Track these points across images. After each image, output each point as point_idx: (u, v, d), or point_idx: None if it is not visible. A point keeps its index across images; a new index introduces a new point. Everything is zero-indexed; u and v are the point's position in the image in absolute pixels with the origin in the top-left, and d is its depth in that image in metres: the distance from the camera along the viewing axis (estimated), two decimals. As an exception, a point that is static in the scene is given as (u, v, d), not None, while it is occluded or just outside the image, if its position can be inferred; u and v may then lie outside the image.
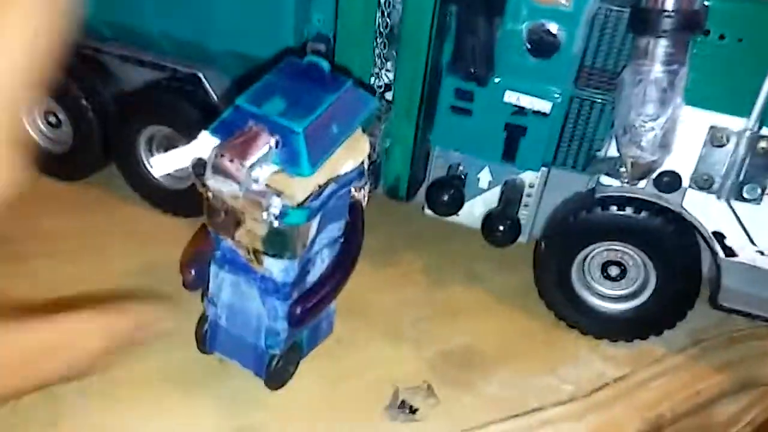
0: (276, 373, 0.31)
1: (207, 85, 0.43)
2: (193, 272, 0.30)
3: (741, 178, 0.35)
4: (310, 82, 0.27)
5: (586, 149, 0.39)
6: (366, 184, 0.32)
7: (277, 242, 0.27)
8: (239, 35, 0.41)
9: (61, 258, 0.44)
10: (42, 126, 0.47)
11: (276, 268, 0.28)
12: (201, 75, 0.42)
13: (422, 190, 0.46)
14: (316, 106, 0.27)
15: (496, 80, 0.37)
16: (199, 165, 0.26)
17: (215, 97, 0.43)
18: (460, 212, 0.43)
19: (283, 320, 0.29)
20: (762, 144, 0.34)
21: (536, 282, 0.42)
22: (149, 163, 0.45)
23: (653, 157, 0.34)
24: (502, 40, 0.36)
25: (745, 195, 0.36)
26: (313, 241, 0.29)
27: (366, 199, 0.33)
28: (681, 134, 0.35)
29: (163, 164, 0.26)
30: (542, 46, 0.36)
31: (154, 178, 0.45)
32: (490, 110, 0.38)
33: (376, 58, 0.39)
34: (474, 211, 0.44)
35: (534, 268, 0.41)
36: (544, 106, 0.38)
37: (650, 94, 0.33)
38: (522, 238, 0.43)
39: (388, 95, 0.40)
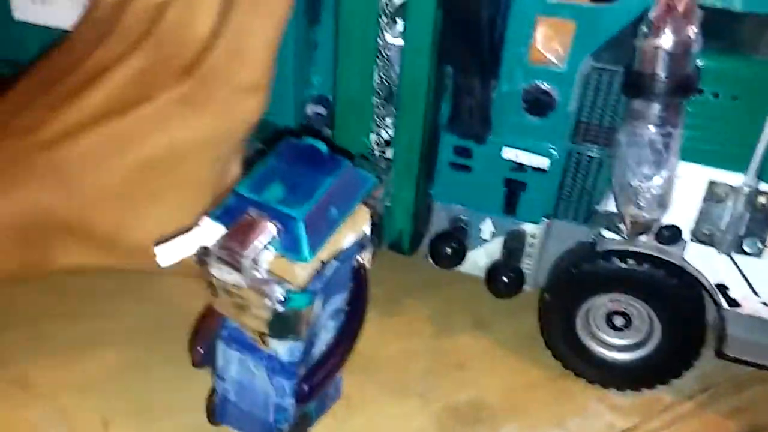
0: None
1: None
2: (201, 351, 0.30)
3: (741, 232, 0.35)
4: (309, 165, 0.28)
5: (586, 202, 0.39)
6: (369, 246, 0.33)
7: (282, 326, 0.27)
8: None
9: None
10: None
11: (281, 348, 0.28)
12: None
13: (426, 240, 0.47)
14: (315, 190, 0.27)
15: (494, 138, 0.38)
16: (203, 253, 0.26)
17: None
18: (463, 263, 0.43)
19: (290, 397, 0.29)
20: (760, 199, 0.34)
21: (542, 332, 0.42)
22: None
23: (651, 215, 0.34)
24: (498, 100, 0.36)
25: (745, 249, 0.36)
26: (317, 318, 0.30)
27: (370, 262, 0.33)
28: (680, 189, 0.35)
29: (167, 254, 0.27)
30: (538, 105, 0.36)
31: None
32: (489, 167, 0.39)
33: (376, 116, 0.40)
34: (478, 261, 0.44)
35: (539, 319, 0.42)
36: (542, 162, 0.38)
37: (645, 155, 0.33)
38: (527, 288, 0.43)
39: (389, 152, 0.41)
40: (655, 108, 0.31)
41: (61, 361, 0.40)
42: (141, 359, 0.40)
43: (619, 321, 0.40)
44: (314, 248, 0.26)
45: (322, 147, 0.29)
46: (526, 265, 0.42)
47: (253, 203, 0.27)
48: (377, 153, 0.40)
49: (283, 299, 0.26)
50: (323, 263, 0.28)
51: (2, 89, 0.33)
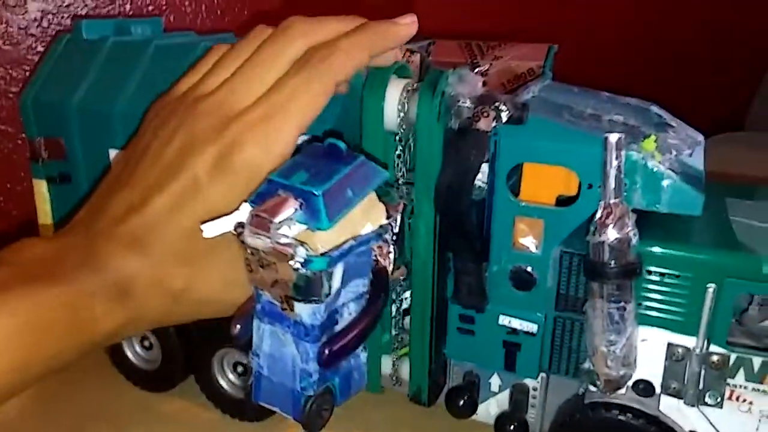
0: (311, 415, 0.34)
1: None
2: (239, 326, 0.35)
3: (701, 386, 0.41)
4: (330, 158, 0.33)
5: (574, 359, 0.46)
6: (391, 251, 0.37)
7: (305, 287, 0.31)
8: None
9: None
10: (138, 349, 0.59)
11: (305, 312, 0.32)
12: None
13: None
14: (333, 175, 0.32)
15: (491, 307, 0.46)
16: (240, 227, 0.32)
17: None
18: (477, 413, 0.50)
19: (313, 361, 0.33)
20: (713, 358, 0.40)
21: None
22: (221, 379, 0.55)
23: (619, 373, 0.41)
24: (490, 277, 0.45)
25: (707, 401, 0.41)
26: (338, 293, 0.34)
27: (391, 265, 0.38)
28: (646, 350, 0.42)
29: (211, 228, 0.33)
30: (522, 281, 0.44)
31: (225, 389, 0.55)
32: (489, 331, 0.46)
33: (395, 292, 0.49)
34: (489, 410, 0.51)
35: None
36: (532, 327, 0.46)
37: (606, 325, 0.40)
38: (532, 435, 0.49)
39: (407, 320, 0.49)
40: (609, 288, 0.39)
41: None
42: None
43: (611, 464, 0.45)
44: (332, 219, 0.31)
45: (342, 145, 0.35)
46: (531, 415, 0.48)
47: (281, 185, 0.32)
48: (397, 321, 0.49)
49: (304, 260, 0.30)
50: (343, 242, 0.33)
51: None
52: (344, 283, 0.34)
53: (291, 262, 0.30)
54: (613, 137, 0.38)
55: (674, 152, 0.43)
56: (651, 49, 1.20)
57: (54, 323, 0.30)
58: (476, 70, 0.54)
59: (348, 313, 0.35)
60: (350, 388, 0.37)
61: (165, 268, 0.34)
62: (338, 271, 0.33)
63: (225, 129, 0.33)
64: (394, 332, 0.49)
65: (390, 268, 0.37)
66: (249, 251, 0.32)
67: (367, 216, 0.35)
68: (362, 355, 0.38)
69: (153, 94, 0.49)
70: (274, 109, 0.34)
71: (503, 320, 0.46)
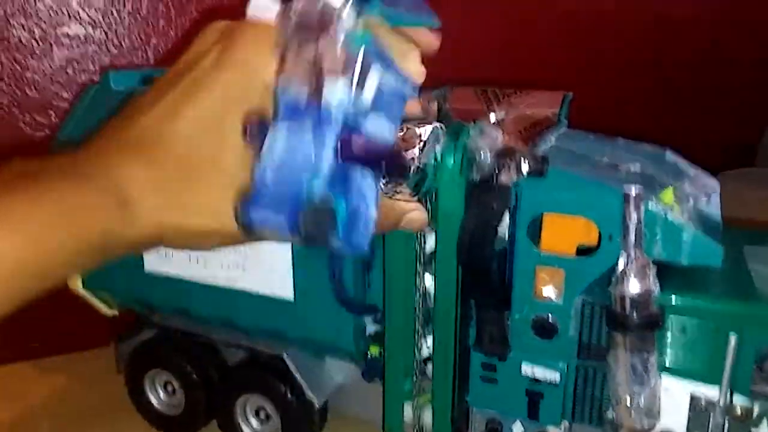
0: (308, 228, 0.31)
1: (289, 363, 0.53)
2: (253, 127, 0.34)
3: (725, 437, 0.41)
4: None
5: (597, 408, 0.46)
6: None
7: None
8: (310, 326, 0.52)
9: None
10: (161, 394, 0.60)
11: (333, 96, 0.30)
12: (284, 355, 0.53)
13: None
14: None
15: (513, 355, 0.46)
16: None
17: (296, 372, 0.53)
18: (501, 459, 0.50)
19: (329, 149, 0.31)
20: (736, 410, 0.41)
21: None
22: (243, 424, 0.55)
23: (642, 423, 0.41)
24: (512, 326, 0.45)
25: (732, 452, 0.41)
26: (364, 109, 0.32)
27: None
28: (670, 399, 0.42)
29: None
30: (544, 330, 0.45)
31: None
32: (512, 380, 0.47)
33: (418, 336, 0.49)
34: (515, 457, 0.51)
35: None
36: (554, 376, 0.46)
37: (629, 375, 0.41)
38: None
39: (429, 367, 0.50)
40: (631, 338, 0.39)
41: None
42: None
43: None
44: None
45: None
46: (554, 461, 0.48)
47: None
48: (418, 368, 0.49)
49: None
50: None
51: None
52: (373, 106, 0.31)
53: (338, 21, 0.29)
54: (633, 191, 0.39)
55: (691, 201, 0.44)
56: (657, 85, 1.22)
57: (49, 224, 0.29)
58: (493, 118, 0.55)
59: (368, 126, 0.32)
60: (356, 221, 0.33)
61: (164, 168, 0.31)
62: (373, 76, 0.31)
63: (233, 29, 0.32)
64: (414, 379, 0.50)
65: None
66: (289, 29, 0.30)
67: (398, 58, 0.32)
68: (371, 203, 0.34)
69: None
70: None
71: (526, 369, 0.46)
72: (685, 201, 0.42)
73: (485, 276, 0.44)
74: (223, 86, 0.31)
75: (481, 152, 0.42)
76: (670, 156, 0.51)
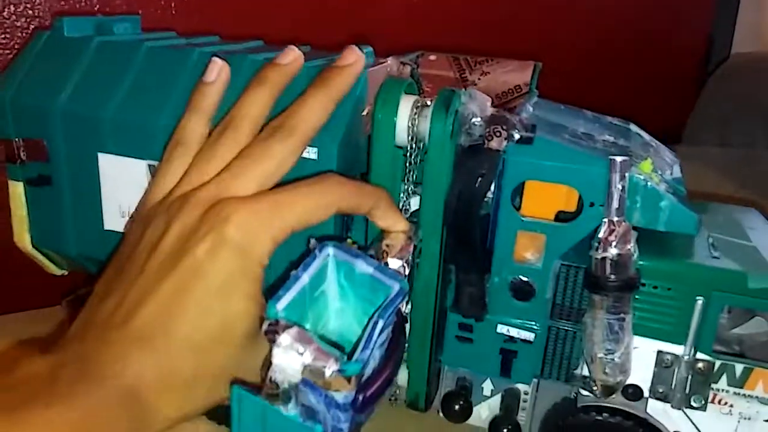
0: None
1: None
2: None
3: (687, 390, 0.45)
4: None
5: (566, 366, 0.48)
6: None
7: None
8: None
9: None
10: None
11: (339, 396, 0.32)
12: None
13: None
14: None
15: (490, 317, 0.48)
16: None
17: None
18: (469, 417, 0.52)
19: (346, 423, 0.33)
20: (699, 365, 0.44)
21: (536, 476, 0.50)
22: None
23: (616, 380, 0.44)
24: (491, 288, 0.47)
25: (692, 404, 0.45)
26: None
27: (408, 305, 0.39)
28: (637, 357, 0.45)
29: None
30: (522, 292, 0.47)
31: None
32: (487, 339, 0.48)
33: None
34: (481, 414, 0.53)
35: (534, 463, 0.50)
36: (529, 335, 0.48)
37: (605, 335, 0.43)
38: (523, 437, 0.51)
39: (406, 327, 0.51)
40: (610, 300, 0.42)
41: None
42: None
43: (600, 465, 0.48)
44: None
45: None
46: (522, 417, 0.50)
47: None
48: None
49: (339, 370, 0.31)
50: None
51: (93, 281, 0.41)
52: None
53: (326, 372, 0.30)
54: (619, 159, 0.40)
55: (659, 172, 0.47)
56: (598, 63, 1.27)
57: None
58: (465, 85, 0.55)
59: (373, 360, 0.35)
60: (374, 410, 0.37)
61: (173, 360, 0.32)
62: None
63: (220, 210, 0.33)
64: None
65: (405, 309, 0.38)
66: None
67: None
68: None
69: (145, 98, 0.48)
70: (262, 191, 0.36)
71: (501, 329, 0.48)
72: (659, 171, 0.44)
73: (469, 239, 0.45)
74: (223, 274, 0.33)
75: (472, 118, 0.43)
76: (635, 128, 0.54)
